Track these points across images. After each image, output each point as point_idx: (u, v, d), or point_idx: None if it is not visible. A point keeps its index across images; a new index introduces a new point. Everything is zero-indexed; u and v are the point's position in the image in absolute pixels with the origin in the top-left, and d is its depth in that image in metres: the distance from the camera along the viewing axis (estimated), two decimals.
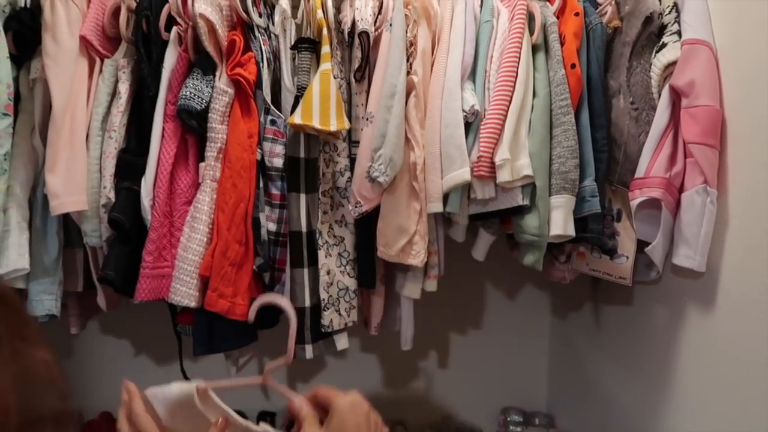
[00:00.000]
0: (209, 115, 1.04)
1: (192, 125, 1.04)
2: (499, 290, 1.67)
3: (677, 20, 1.05)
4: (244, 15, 1.06)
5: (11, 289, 0.34)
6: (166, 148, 1.04)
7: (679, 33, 1.04)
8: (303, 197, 1.06)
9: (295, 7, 1.12)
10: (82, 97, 1.02)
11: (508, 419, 1.61)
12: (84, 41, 1.03)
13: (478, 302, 1.67)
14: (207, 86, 1.04)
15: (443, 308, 1.50)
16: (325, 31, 1.02)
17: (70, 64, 1.01)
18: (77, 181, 1.00)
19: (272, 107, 1.07)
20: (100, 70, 1.05)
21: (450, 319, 1.65)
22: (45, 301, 1.04)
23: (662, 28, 1.07)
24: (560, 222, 1.00)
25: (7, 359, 0.33)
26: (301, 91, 1.03)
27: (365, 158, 1.02)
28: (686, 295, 1.05)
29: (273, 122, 1.07)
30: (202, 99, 1.03)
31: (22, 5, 1.03)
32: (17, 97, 1.02)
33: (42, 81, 1.04)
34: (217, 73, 1.06)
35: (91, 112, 1.04)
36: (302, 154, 1.06)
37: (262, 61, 1.08)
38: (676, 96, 1.01)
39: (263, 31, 1.10)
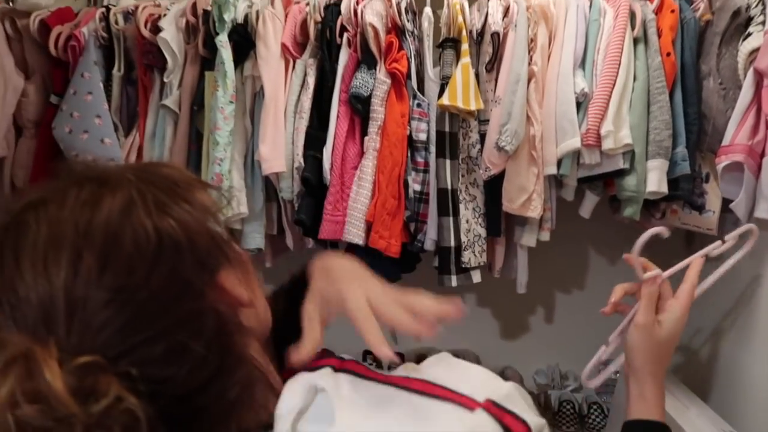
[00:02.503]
0: (372, 100, 1.34)
1: (358, 108, 1.36)
2: (602, 254, 1.87)
3: (763, 12, 1.24)
4: (399, 22, 1.36)
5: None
6: (340, 125, 1.37)
7: (763, 23, 1.23)
8: (447, 162, 1.36)
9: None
10: (282, 88, 1.38)
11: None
12: (283, 47, 1.38)
13: (583, 264, 1.87)
14: (371, 78, 1.35)
15: (551, 269, 1.74)
16: (464, 33, 1.31)
17: (276, 63, 1.36)
18: (279, 150, 1.35)
19: (419, 93, 1.37)
20: (293, 68, 1.40)
21: (556, 278, 1.86)
22: (256, 237, 1.41)
23: (749, 20, 1.26)
24: (655, 181, 1.23)
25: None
26: (445, 80, 1.32)
27: (494, 132, 1.30)
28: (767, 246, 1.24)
29: (419, 105, 1.37)
30: (367, 88, 1.34)
31: (239, 22, 1.39)
32: None
33: (251, 77, 1.41)
34: (378, 67, 1.36)
35: (287, 99, 1.39)
36: (447, 129, 1.36)
37: (411, 58, 1.38)
38: (759, 77, 1.20)
39: (410, 33, 1.40)
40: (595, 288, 1.88)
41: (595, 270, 1.88)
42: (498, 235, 1.43)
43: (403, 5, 1.36)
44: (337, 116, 1.36)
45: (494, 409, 0.46)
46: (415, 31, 1.42)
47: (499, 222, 1.40)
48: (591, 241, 1.86)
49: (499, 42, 1.32)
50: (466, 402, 0.46)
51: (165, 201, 0.47)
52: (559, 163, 1.29)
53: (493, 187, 1.37)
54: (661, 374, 0.85)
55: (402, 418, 0.46)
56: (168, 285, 0.44)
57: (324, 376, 0.50)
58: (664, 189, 1.23)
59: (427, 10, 1.39)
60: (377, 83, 1.35)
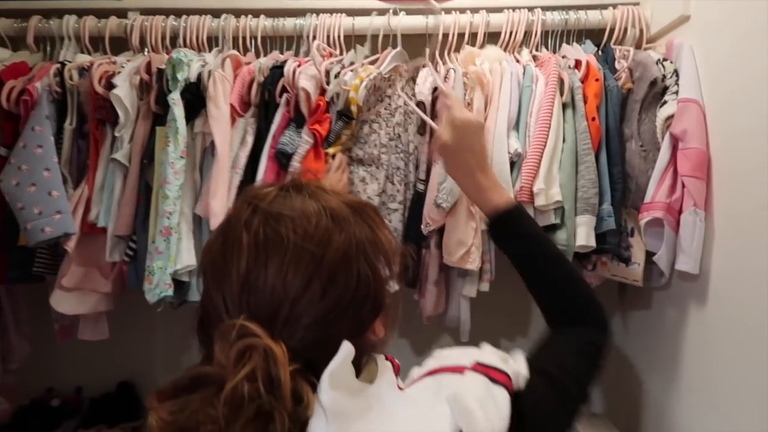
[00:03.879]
0: (294, 156, 1.37)
1: (284, 164, 1.39)
2: None
3: (677, 83, 1.37)
4: (325, 86, 1.42)
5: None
6: (266, 180, 1.38)
7: (677, 93, 1.35)
8: None
9: None
10: (229, 146, 1.42)
11: None
12: (232, 107, 1.43)
13: (524, 311, 1.91)
14: (297, 137, 1.39)
15: (494, 317, 1.79)
16: (353, 107, 1.39)
17: (225, 123, 1.41)
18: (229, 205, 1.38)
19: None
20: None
21: (499, 326, 1.90)
22: None
23: (665, 89, 1.38)
24: (584, 235, 1.31)
25: (374, 226, 0.62)
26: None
27: (433, 189, 1.37)
28: (689, 295, 1.32)
29: None
30: (293, 146, 1.38)
31: (191, 81, 1.44)
32: None
33: (201, 134, 1.45)
34: (305, 128, 1.42)
35: (229, 156, 1.42)
36: None
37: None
38: (675, 141, 1.32)
39: (338, 97, 1.45)
40: (537, 334, 1.92)
41: (537, 317, 1.92)
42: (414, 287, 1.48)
43: (333, 71, 1.44)
44: (265, 170, 1.40)
45: (480, 368, 0.60)
46: None
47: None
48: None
49: (425, 109, 1.40)
50: (458, 370, 0.60)
51: (368, 249, 0.60)
52: None
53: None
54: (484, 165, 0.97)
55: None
56: (349, 321, 0.58)
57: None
58: (592, 243, 1.32)
59: (348, 77, 1.44)
60: (302, 142, 1.39)
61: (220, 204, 1.36)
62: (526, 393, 0.61)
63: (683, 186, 1.29)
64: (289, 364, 0.51)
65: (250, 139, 1.44)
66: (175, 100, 1.39)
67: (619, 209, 1.37)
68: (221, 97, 1.42)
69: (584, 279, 0.91)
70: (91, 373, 1.84)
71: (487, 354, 0.63)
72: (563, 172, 1.34)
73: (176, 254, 1.36)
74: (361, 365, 0.62)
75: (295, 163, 1.39)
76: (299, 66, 1.43)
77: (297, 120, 1.43)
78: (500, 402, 0.56)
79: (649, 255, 1.36)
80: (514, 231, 0.92)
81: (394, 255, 0.64)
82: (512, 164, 1.35)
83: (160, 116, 1.45)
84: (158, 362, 1.93)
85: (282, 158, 1.39)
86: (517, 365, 0.63)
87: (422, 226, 1.41)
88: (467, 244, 1.37)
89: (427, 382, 0.61)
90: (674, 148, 1.32)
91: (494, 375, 0.59)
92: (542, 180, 1.31)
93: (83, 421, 1.73)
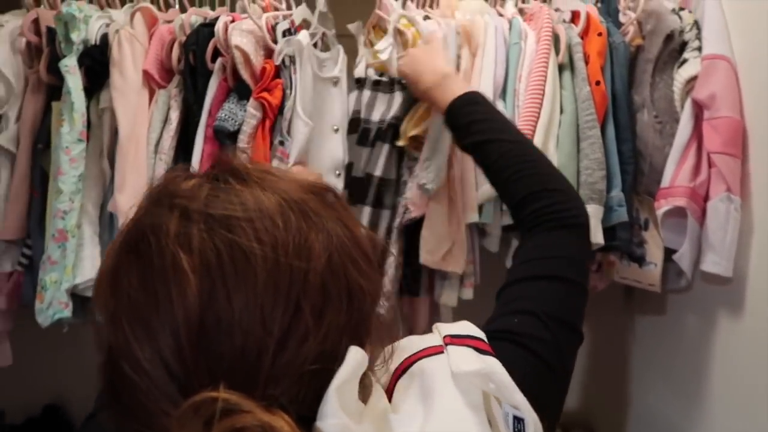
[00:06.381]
0: (239, 136, 1.10)
1: (226, 145, 1.11)
2: None
3: (698, 37, 1.11)
4: (272, 45, 1.13)
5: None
6: (203, 168, 1.11)
7: (699, 49, 1.09)
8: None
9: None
10: (144, 124, 1.12)
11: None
12: (146, 75, 1.13)
13: None
14: (241, 110, 1.10)
15: (480, 321, 1.55)
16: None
17: (135, 95, 1.11)
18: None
19: (283, 131, 1.12)
20: (157, 100, 1.15)
21: None
22: None
23: (683, 45, 1.12)
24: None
25: (345, 220, 0.47)
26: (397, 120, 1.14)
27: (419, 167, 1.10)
28: (716, 301, 1.08)
29: (281, 143, 1.13)
30: (235, 121, 1.10)
31: (93, 43, 1.14)
32: (88, 125, 1.13)
33: (109, 110, 1.15)
34: (251, 99, 1.14)
35: (147, 137, 1.13)
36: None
37: (293, 88, 1.13)
38: (699, 109, 1.06)
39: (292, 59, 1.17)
40: None
41: None
42: (417, 295, 1.21)
43: (281, 27, 1.14)
44: (201, 157, 1.12)
45: (456, 340, 0.53)
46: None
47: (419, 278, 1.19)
48: None
49: None
50: (435, 350, 0.52)
51: (352, 252, 0.46)
52: (481, 209, 1.10)
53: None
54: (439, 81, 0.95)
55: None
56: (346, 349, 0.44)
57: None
58: (600, 239, 1.05)
59: (302, 35, 1.15)
60: (247, 117, 1.10)
61: (129, 199, 1.07)
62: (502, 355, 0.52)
63: (710, 166, 1.04)
64: None
65: (174, 116, 1.15)
66: (69, 67, 1.09)
67: (630, 196, 1.11)
68: (128, 61, 1.12)
69: (556, 169, 0.82)
70: (12, 396, 1.57)
71: (450, 326, 0.56)
72: (562, 151, 1.07)
73: (75, 265, 1.07)
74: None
75: (244, 145, 1.11)
76: (232, 21, 1.13)
77: (239, 90, 1.13)
78: (497, 369, 0.50)
79: (668, 252, 1.10)
80: (464, 120, 0.86)
81: (376, 256, 0.51)
82: None
83: (56, 89, 1.15)
84: (88, 381, 1.64)
85: (222, 137, 1.11)
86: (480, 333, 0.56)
87: (399, 216, 1.14)
88: (450, 240, 1.10)
89: (404, 384, 0.51)
90: (698, 119, 1.07)
91: (474, 344, 0.53)
92: None
93: None
